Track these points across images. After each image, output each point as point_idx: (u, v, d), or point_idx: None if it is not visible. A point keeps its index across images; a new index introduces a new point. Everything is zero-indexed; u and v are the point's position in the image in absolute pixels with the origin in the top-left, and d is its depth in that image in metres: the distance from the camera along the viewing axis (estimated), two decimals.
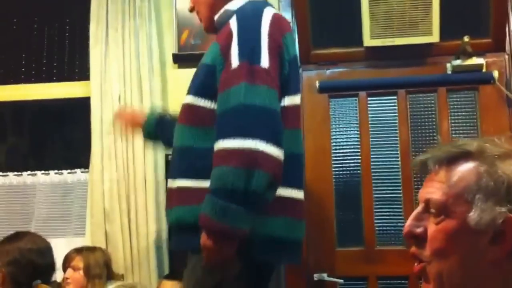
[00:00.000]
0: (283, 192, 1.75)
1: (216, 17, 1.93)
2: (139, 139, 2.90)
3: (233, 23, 1.78)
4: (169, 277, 2.68)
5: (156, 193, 2.89)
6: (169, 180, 1.87)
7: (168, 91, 3.04)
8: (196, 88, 1.83)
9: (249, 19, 1.79)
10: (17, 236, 2.33)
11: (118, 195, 2.91)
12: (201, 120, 1.78)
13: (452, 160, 1.01)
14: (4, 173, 3.18)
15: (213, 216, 1.59)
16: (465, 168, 1.00)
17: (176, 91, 3.02)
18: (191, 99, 1.81)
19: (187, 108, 1.82)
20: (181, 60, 3.03)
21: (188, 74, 2.94)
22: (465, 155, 1.01)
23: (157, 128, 2.35)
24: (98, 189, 2.93)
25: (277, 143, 1.64)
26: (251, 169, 1.58)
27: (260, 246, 1.70)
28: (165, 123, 2.33)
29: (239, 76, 1.68)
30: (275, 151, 1.63)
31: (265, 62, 1.69)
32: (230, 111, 1.67)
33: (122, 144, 2.94)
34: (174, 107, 3.02)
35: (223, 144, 1.64)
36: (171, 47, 3.06)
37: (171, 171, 1.89)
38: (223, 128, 1.67)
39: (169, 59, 3.06)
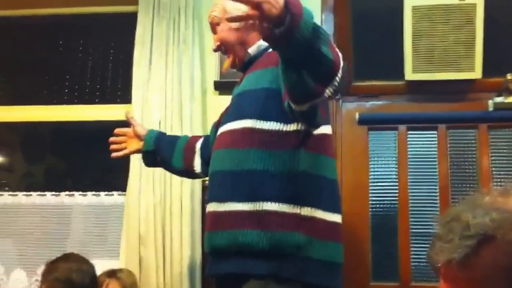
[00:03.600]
0: (332, 217, 1.80)
1: (250, 50, 2.00)
2: None
3: None
4: None
5: (191, 219, 2.88)
6: (215, 203, 1.85)
7: (208, 117, 3.07)
8: (257, 112, 1.82)
9: None
10: (65, 256, 2.40)
11: (154, 220, 2.91)
12: (265, 144, 1.79)
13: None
14: (42, 193, 3.21)
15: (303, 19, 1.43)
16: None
17: (216, 117, 3.03)
18: (251, 123, 1.82)
19: (247, 132, 1.82)
20: (222, 87, 3.06)
21: (228, 101, 3.00)
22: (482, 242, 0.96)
23: (156, 143, 2.35)
24: (134, 212, 2.95)
25: None
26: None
27: (317, 270, 1.71)
28: (164, 139, 2.37)
29: None
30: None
31: None
32: None
33: (160, 168, 2.97)
34: None
35: None
36: (212, 74, 3.09)
37: (220, 194, 1.85)
38: None
39: (210, 86, 3.09)
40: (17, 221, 3.19)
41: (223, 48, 2.07)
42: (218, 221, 1.83)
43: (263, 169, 1.76)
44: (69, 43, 3.52)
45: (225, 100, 3.06)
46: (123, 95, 3.24)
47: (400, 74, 2.83)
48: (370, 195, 2.86)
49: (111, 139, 2.42)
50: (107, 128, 3.25)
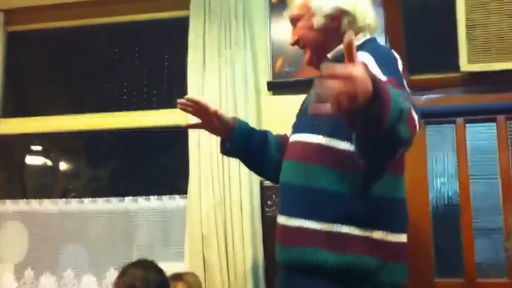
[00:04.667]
0: (401, 238, 1.79)
1: (329, 55, 1.94)
2: (235, 164, 2.99)
3: (365, 58, 1.73)
4: None
5: (252, 218, 2.93)
6: (286, 217, 1.84)
7: (262, 118, 3.09)
8: (330, 129, 1.78)
9: (385, 57, 1.80)
10: (136, 262, 2.45)
11: (215, 221, 2.98)
12: (337, 163, 1.75)
13: None
14: (107, 198, 3.32)
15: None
16: None
17: (270, 118, 3.07)
18: (323, 140, 1.79)
19: (319, 149, 1.79)
20: (275, 87, 3.08)
21: (282, 101, 3.05)
22: None
23: (247, 139, 2.20)
24: (196, 214, 3.02)
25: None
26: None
27: None
28: (255, 136, 2.23)
29: None
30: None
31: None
32: None
33: (218, 170, 3.01)
34: None
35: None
36: (265, 75, 3.11)
37: (292, 208, 1.83)
38: None
39: (264, 86, 3.11)
40: (85, 227, 3.31)
41: (300, 43, 2.02)
42: (289, 236, 1.82)
43: (337, 190, 1.74)
44: (125, 51, 3.61)
45: (279, 101, 3.12)
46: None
47: (454, 65, 2.77)
48: (429, 190, 2.83)
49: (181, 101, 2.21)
50: (165, 132, 3.35)
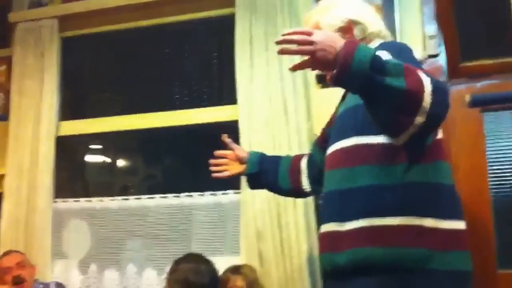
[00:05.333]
0: (454, 225, 1.75)
1: None
2: None
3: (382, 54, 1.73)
4: None
5: (305, 212, 2.94)
6: (333, 224, 1.83)
7: (312, 111, 3.07)
8: (359, 128, 1.81)
9: (402, 49, 1.82)
10: (186, 256, 2.52)
11: (269, 215, 3.00)
12: (375, 157, 1.76)
13: None
14: (164, 195, 3.39)
15: (359, 55, 1.55)
16: None
17: (320, 111, 3.04)
18: (356, 140, 1.81)
19: (354, 149, 1.81)
20: (324, 80, 3.04)
21: (332, 94, 2.99)
22: None
23: (260, 166, 2.36)
24: (250, 209, 3.05)
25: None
26: None
27: (444, 281, 1.69)
28: (266, 161, 2.37)
29: None
30: None
31: None
32: None
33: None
34: (320, 128, 3.07)
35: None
36: None
37: (339, 214, 1.83)
38: None
39: (312, 80, 3.08)
40: (144, 223, 3.40)
41: None
42: (337, 242, 1.82)
43: (379, 184, 1.74)
44: (174, 50, 3.67)
45: (329, 94, 3.06)
46: (229, 96, 3.32)
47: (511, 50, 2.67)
48: (489, 178, 2.74)
49: (212, 161, 2.45)
50: (216, 129, 3.39)
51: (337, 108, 2.10)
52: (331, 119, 2.17)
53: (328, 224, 1.87)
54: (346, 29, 1.96)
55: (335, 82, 1.57)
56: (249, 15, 3.17)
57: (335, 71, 1.55)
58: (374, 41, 1.96)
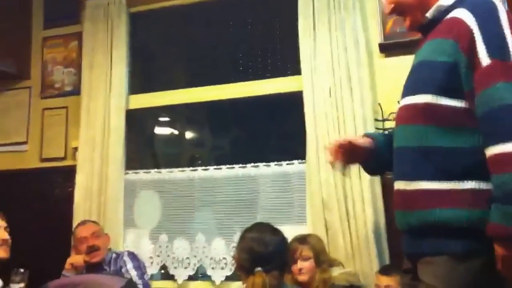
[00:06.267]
0: None
1: (428, 14, 1.88)
2: (351, 129, 3.00)
3: (467, 18, 1.72)
4: (385, 272, 2.71)
5: (371, 182, 2.94)
6: (403, 182, 1.82)
7: (376, 81, 3.06)
8: (437, 87, 1.76)
9: (487, 14, 1.73)
10: (252, 226, 2.49)
11: (334, 185, 3.03)
12: (450, 120, 1.74)
13: None
14: (230, 166, 3.45)
15: (506, 223, 1.56)
16: None
17: (384, 80, 3.03)
18: (431, 99, 1.76)
19: (428, 108, 1.77)
20: (387, 49, 3.03)
21: (395, 62, 2.99)
22: None
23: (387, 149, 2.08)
24: (315, 179, 3.08)
25: None
26: None
27: None
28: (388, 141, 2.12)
29: (495, 75, 1.63)
30: None
31: None
32: (495, 112, 1.62)
33: (335, 135, 3.04)
34: (383, 97, 3.06)
35: (500, 148, 1.59)
36: (376, 37, 3.07)
37: (407, 172, 1.81)
38: (493, 132, 1.62)
39: (376, 49, 3.07)
40: (212, 193, 3.47)
41: (397, 10, 1.97)
42: (408, 200, 1.80)
43: (450, 147, 1.72)
44: (238, 22, 3.69)
45: (392, 62, 3.06)
46: (293, 67, 3.33)
47: None
48: None
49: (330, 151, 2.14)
50: (281, 99, 3.42)
51: (415, 57, 1.98)
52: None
53: (398, 181, 1.85)
54: None
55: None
56: None
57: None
58: None
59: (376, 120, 3.02)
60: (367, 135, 2.13)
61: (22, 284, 2.66)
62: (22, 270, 2.67)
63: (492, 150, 1.60)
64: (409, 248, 1.84)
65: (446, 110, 1.73)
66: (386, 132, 2.25)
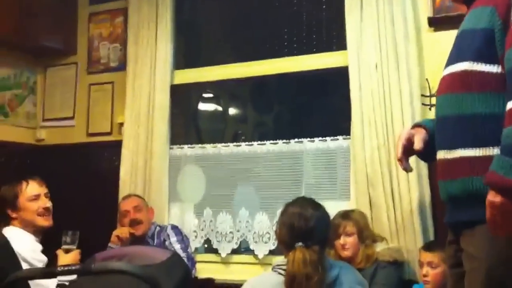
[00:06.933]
0: None
1: None
2: (397, 105, 2.96)
3: None
4: (428, 248, 2.68)
5: (417, 161, 2.88)
6: (444, 151, 1.82)
7: (424, 57, 3.00)
8: (473, 54, 1.76)
9: None
10: (293, 201, 2.46)
11: (379, 161, 3.00)
12: (485, 86, 1.73)
13: None
14: (274, 141, 3.45)
15: (501, 172, 1.54)
16: None
17: (432, 55, 2.96)
18: (468, 66, 1.76)
19: (465, 75, 1.77)
20: (437, 23, 2.96)
21: (445, 37, 2.91)
22: None
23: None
24: (360, 155, 3.06)
25: None
26: None
27: None
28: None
29: None
30: None
31: None
32: None
33: (381, 111, 3.01)
34: (431, 73, 3.00)
35: None
36: (425, 11, 3.00)
37: (448, 141, 1.82)
38: None
39: (424, 23, 3.00)
40: (255, 169, 3.49)
41: None
42: (449, 169, 1.81)
43: (488, 113, 1.71)
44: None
45: (442, 37, 2.99)
46: (339, 42, 3.29)
47: None
48: None
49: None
50: (326, 75, 3.39)
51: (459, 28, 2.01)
52: None
53: (439, 151, 1.85)
54: None
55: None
56: None
57: None
58: None
59: (423, 95, 2.97)
60: (418, 125, 2.11)
61: (73, 246, 2.73)
62: (72, 231, 2.73)
63: (509, 105, 1.59)
64: (451, 217, 1.85)
65: (481, 76, 1.73)
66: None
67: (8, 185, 2.78)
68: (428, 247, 2.69)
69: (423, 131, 2.04)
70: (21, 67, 4.02)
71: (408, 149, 2.05)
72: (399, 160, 2.06)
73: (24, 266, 2.40)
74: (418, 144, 2.01)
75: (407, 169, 2.10)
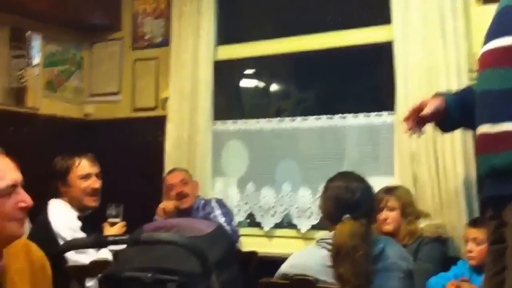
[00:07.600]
0: None
1: None
2: (443, 81, 2.92)
3: None
4: (474, 224, 2.64)
5: (463, 135, 2.87)
6: (488, 125, 1.78)
7: (472, 32, 2.94)
8: None
9: None
10: (338, 174, 2.45)
11: (424, 138, 2.93)
12: None
13: None
14: (318, 116, 3.44)
15: None
16: None
17: (480, 29, 2.85)
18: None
19: (509, 50, 1.73)
20: None
21: (494, 11, 2.82)
22: None
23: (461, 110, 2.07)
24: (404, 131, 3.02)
25: None
26: None
27: None
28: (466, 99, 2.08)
29: None
30: None
31: None
32: None
33: (426, 86, 2.97)
34: (479, 47, 2.91)
35: None
36: None
37: (492, 115, 1.78)
38: None
39: None
40: (298, 144, 3.50)
41: None
42: (492, 142, 1.78)
43: None
44: None
45: (491, 10, 2.88)
46: (383, 16, 3.24)
47: None
48: None
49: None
50: (370, 50, 3.35)
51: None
52: None
53: (482, 125, 1.82)
54: None
55: None
56: None
57: None
58: None
59: (471, 71, 2.92)
60: (438, 95, 2.09)
61: (118, 219, 2.79)
62: (115, 204, 2.78)
63: None
64: (493, 191, 1.81)
65: None
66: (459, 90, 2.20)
67: (61, 158, 2.82)
68: (474, 223, 2.67)
69: (439, 100, 2.03)
70: (67, 43, 4.09)
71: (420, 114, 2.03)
72: (405, 120, 2.08)
73: None
74: (426, 110, 2.00)
75: (414, 132, 2.09)
